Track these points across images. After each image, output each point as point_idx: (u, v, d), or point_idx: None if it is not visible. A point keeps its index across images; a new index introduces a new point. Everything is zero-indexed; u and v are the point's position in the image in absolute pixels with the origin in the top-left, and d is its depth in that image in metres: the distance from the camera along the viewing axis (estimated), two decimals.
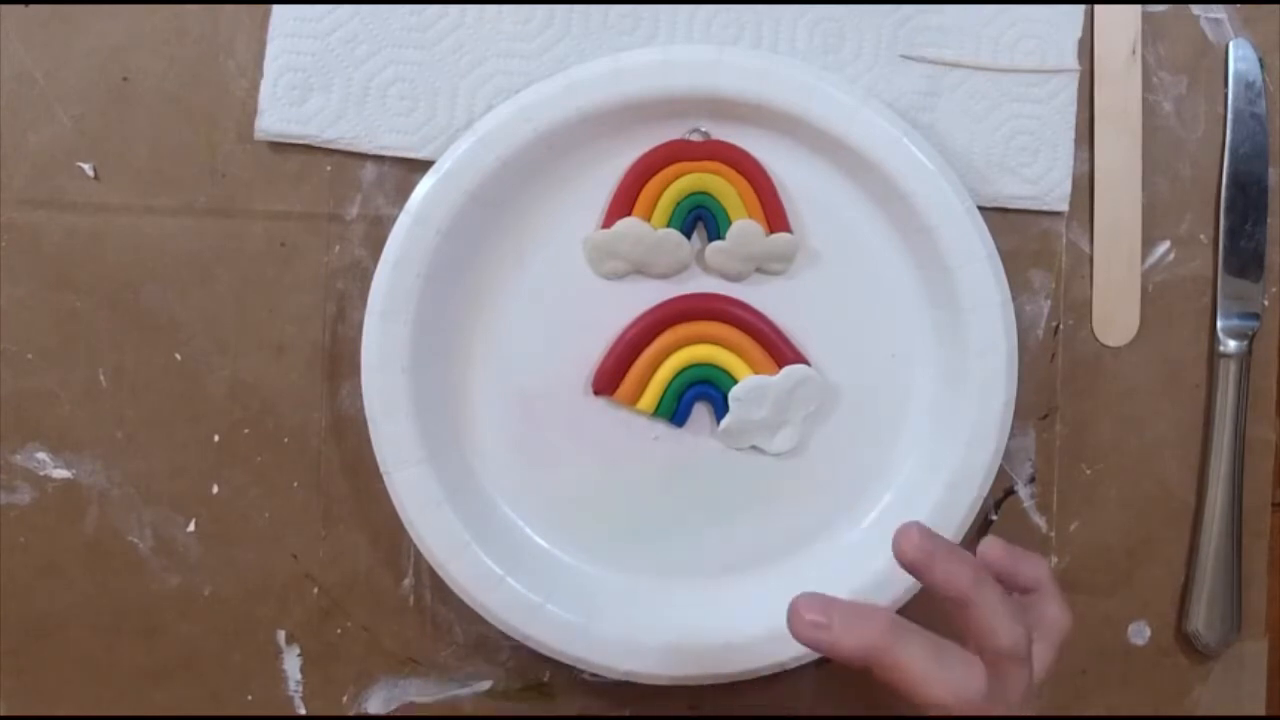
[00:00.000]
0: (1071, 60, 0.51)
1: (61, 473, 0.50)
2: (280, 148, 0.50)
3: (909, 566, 0.39)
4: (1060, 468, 0.52)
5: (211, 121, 0.50)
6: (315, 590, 0.51)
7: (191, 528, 0.51)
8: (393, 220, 0.48)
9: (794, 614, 0.39)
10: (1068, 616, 0.41)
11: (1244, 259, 0.52)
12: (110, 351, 0.50)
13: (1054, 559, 0.52)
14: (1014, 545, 0.41)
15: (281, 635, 0.51)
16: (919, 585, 0.49)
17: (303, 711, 0.51)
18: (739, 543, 0.51)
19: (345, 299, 0.50)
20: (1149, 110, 0.52)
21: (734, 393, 0.50)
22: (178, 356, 0.50)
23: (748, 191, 0.50)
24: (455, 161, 0.48)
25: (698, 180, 0.50)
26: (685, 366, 0.50)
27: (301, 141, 0.50)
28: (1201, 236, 0.52)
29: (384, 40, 0.49)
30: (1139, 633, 0.53)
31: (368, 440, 0.49)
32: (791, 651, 0.48)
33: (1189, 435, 0.53)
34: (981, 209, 0.49)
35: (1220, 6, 0.52)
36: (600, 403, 0.50)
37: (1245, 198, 0.52)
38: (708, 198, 0.50)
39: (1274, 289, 0.53)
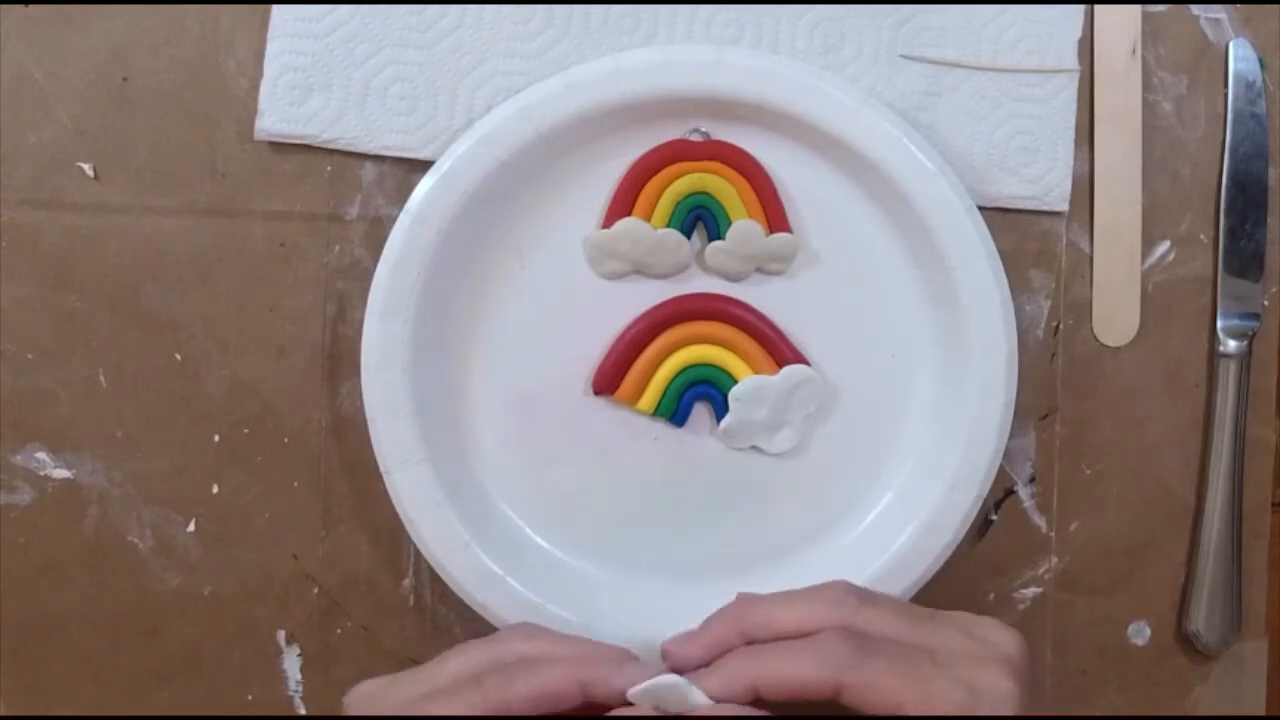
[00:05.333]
0: (1071, 60, 0.51)
1: (61, 473, 0.50)
2: (280, 148, 0.50)
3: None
4: (1060, 468, 0.52)
5: (211, 121, 0.50)
6: (315, 590, 0.51)
7: (191, 528, 0.51)
8: (393, 220, 0.48)
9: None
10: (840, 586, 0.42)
11: (1244, 259, 0.52)
12: (110, 351, 0.50)
13: (1054, 559, 0.52)
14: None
15: (281, 635, 0.51)
16: (919, 586, 0.49)
17: (303, 711, 0.51)
18: (739, 543, 0.51)
19: (345, 299, 0.50)
20: (1149, 110, 0.52)
21: (734, 393, 0.50)
22: (178, 356, 0.50)
23: (748, 191, 0.50)
24: (455, 161, 0.48)
25: (698, 180, 0.49)
26: (685, 366, 0.50)
27: (301, 141, 0.50)
28: (1201, 236, 0.52)
29: (384, 40, 0.49)
30: (1139, 633, 0.53)
31: (368, 440, 0.48)
32: None
33: (1189, 435, 0.53)
34: (981, 209, 0.49)
35: (1220, 6, 0.52)
36: (600, 402, 0.50)
37: (1245, 198, 0.52)
38: (708, 198, 0.50)
39: (1274, 289, 0.53)
